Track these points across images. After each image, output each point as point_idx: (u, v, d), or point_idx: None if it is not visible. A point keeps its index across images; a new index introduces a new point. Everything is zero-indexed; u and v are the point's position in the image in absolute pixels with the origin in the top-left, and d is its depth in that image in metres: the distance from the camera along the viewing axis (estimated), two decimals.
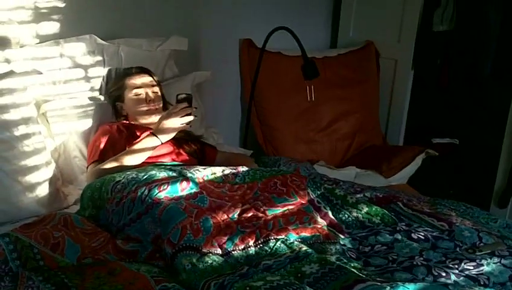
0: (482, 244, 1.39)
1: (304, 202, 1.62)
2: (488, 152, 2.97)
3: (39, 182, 1.73)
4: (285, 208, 1.57)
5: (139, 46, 2.27)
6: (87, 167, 1.88)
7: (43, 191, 1.73)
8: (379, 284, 1.09)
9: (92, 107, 2.03)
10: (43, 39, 2.02)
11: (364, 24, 3.27)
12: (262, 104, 2.91)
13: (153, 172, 1.59)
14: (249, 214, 1.51)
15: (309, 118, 2.98)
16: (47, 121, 1.95)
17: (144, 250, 1.39)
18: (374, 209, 1.60)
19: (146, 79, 2.04)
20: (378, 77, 3.21)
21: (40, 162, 1.75)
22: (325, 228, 1.53)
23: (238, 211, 1.53)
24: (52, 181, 1.78)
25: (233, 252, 1.35)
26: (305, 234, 1.46)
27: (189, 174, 1.61)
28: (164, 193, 1.48)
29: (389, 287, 1.08)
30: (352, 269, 1.19)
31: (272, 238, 1.38)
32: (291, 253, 1.29)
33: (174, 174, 1.60)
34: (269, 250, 1.34)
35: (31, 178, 1.71)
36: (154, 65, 2.27)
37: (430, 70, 3.16)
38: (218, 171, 1.70)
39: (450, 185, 3.02)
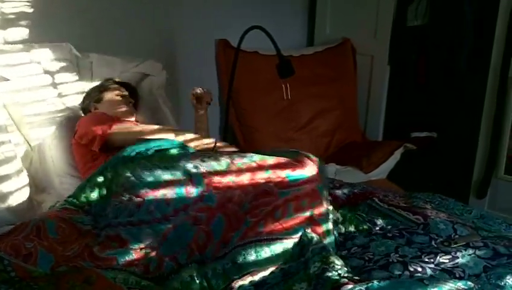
0: (457, 236, 1.40)
1: (318, 179, 1.55)
2: (466, 144, 3.00)
3: (11, 191, 1.70)
4: (299, 187, 1.49)
5: (112, 64, 2.26)
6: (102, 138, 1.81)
7: (14, 200, 1.71)
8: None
9: (64, 113, 2.01)
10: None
11: (341, 21, 3.28)
12: (241, 105, 2.90)
13: (158, 172, 1.51)
14: (259, 201, 1.45)
15: (288, 117, 2.98)
16: (19, 128, 1.92)
17: (124, 255, 1.37)
18: (348, 216, 1.60)
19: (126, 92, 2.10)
20: (355, 73, 3.23)
21: (10, 171, 1.72)
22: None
23: (249, 197, 1.46)
24: (24, 190, 1.75)
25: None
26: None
27: (193, 170, 1.51)
28: (172, 207, 1.44)
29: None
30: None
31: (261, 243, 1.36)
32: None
33: (179, 172, 1.51)
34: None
35: (1, 187, 1.68)
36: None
37: (406, 65, 3.19)
38: (223, 159, 1.58)
39: (429, 178, 3.04)
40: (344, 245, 1.46)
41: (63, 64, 2.06)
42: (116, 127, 1.83)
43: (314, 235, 1.39)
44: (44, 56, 2.01)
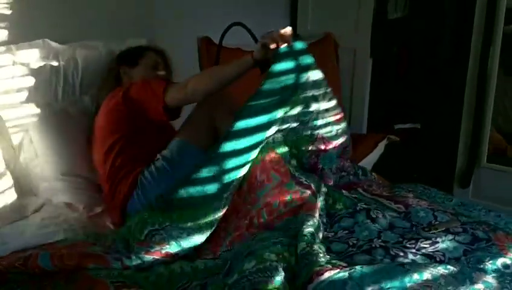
0: (437, 222, 1.43)
1: (285, 180, 1.60)
2: (448, 135, 3.05)
3: None
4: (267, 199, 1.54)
5: (95, 47, 2.23)
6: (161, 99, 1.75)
7: None
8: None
9: (48, 115, 1.98)
10: None
11: (322, 16, 3.30)
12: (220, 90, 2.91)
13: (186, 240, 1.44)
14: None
15: None
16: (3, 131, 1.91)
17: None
18: (337, 195, 1.63)
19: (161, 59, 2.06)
20: (338, 66, 3.25)
21: None
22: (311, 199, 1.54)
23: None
24: (8, 192, 1.74)
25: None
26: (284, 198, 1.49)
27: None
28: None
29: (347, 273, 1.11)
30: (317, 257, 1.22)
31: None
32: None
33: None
34: None
35: None
36: None
37: (388, 57, 3.22)
38: None
39: (414, 169, 3.08)
40: (332, 227, 1.50)
41: (42, 61, 2.03)
42: (168, 87, 1.76)
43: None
44: (23, 56, 1.98)
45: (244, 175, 1.53)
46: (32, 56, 2.01)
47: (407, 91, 3.27)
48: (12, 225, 1.72)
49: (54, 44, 2.07)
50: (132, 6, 2.51)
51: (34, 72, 2.01)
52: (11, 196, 1.76)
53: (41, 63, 2.03)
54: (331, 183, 1.76)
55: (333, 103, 1.76)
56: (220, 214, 1.47)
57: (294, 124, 1.69)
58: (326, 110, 1.75)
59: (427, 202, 1.59)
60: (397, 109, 3.35)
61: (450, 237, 1.35)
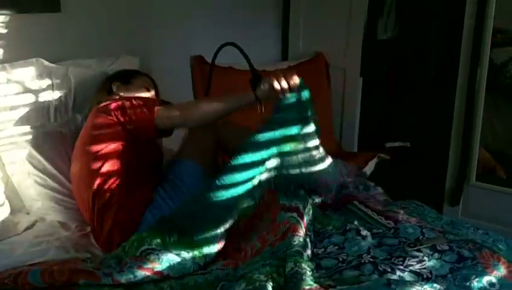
0: (424, 238, 1.46)
1: (276, 215, 1.61)
2: (438, 153, 3.08)
3: None
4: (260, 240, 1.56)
5: (88, 66, 2.25)
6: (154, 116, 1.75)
7: None
8: None
9: (41, 134, 1.98)
10: None
11: (313, 36, 3.35)
12: (217, 121, 2.93)
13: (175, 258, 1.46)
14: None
15: None
16: None
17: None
18: (326, 220, 1.66)
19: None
20: (329, 86, 3.29)
21: None
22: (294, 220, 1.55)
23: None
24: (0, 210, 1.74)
25: None
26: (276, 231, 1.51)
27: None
28: None
29: None
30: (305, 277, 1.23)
31: None
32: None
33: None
34: None
35: None
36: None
37: (378, 77, 3.27)
38: None
39: (404, 187, 3.10)
40: (321, 242, 1.52)
41: (36, 81, 2.05)
42: (160, 109, 1.76)
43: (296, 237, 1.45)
44: (17, 75, 2.00)
45: (240, 216, 1.57)
46: (26, 75, 2.03)
47: (397, 110, 3.32)
48: (3, 242, 1.73)
49: (46, 63, 2.09)
50: (125, 26, 2.54)
51: (28, 91, 2.03)
52: (2, 213, 1.76)
53: (35, 82, 2.06)
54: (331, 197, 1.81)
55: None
56: (215, 249, 1.50)
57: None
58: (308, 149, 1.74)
59: (416, 219, 1.62)
60: (387, 127, 3.39)
61: (437, 255, 1.37)
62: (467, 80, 2.79)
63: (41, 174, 1.93)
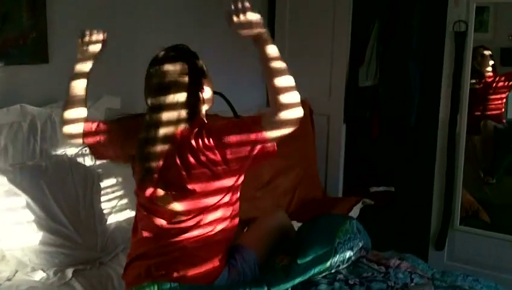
0: (412, 284, 1.46)
1: None
2: (422, 198, 3.11)
3: None
4: None
5: None
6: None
7: None
8: None
9: (22, 182, 1.89)
10: None
11: (297, 83, 3.40)
12: None
13: None
14: None
15: (249, 176, 3.01)
16: None
17: None
18: (317, 270, 1.66)
19: None
20: (313, 132, 3.34)
21: None
22: None
23: None
24: None
25: None
26: None
27: None
28: None
29: None
30: None
31: None
32: None
33: None
34: None
35: None
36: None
37: (361, 122, 3.33)
38: None
39: (389, 231, 3.11)
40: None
41: (20, 125, 2.04)
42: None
43: None
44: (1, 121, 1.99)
45: None
46: (10, 121, 2.02)
47: (381, 155, 3.37)
48: None
49: (30, 108, 2.10)
50: (107, 69, 2.56)
51: (12, 136, 2.02)
52: None
53: (20, 127, 2.04)
54: None
55: None
56: None
57: None
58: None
59: (407, 264, 1.63)
60: (372, 172, 3.43)
61: None
62: (448, 125, 2.87)
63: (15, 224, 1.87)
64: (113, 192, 2.19)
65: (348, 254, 1.64)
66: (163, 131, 1.52)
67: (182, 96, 1.54)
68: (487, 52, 3.11)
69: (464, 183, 2.95)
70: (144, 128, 1.56)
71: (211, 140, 1.50)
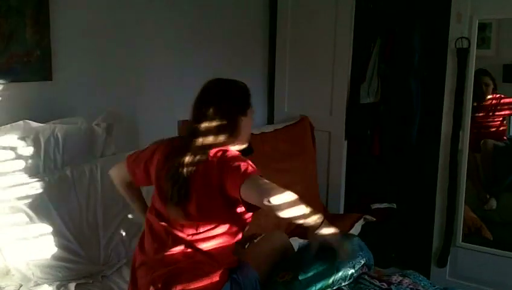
0: None
1: None
2: (424, 214, 3.11)
3: None
4: None
5: (75, 123, 2.26)
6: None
7: None
8: None
9: (26, 198, 1.93)
10: None
11: (298, 100, 3.45)
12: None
13: None
14: None
15: None
16: None
17: None
18: (319, 286, 1.67)
19: None
20: (314, 148, 3.35)
21: None
22: None
23: None
24: None
25: None
26: None
27: None
28: None
29: None
30: None
31: None
32: None
33: None
34: None
35: None
36: (93, 141, 2.28)
37: (362, 139, 3.34)
38: None
39: (391, 248, 3.10)
40: None
41: (24, 141, 2.05)
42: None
43: None
44: (5, 138, 2.00)
45: None
46: (14, 137, 2.04)
47: (383, 171, 3.37)
48: None
49: (34, 124, 2.12)
50: (112, 89, 2.59)
51: (15, 151, 2.03)
52: None
53: (23, 143, 2.06)
54: None
55: None
56: None
57: None
58: None
59: (409, 281, 1.63)
60: (373, 188, 3.42)
61: None
62: (450, 142, 2.87)
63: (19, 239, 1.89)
64: (115, 206, 2.19)
65: (350, 271, 1.66)
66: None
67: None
68: (489, 81, 3.10)
69: (467, 200, 2.94)
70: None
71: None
